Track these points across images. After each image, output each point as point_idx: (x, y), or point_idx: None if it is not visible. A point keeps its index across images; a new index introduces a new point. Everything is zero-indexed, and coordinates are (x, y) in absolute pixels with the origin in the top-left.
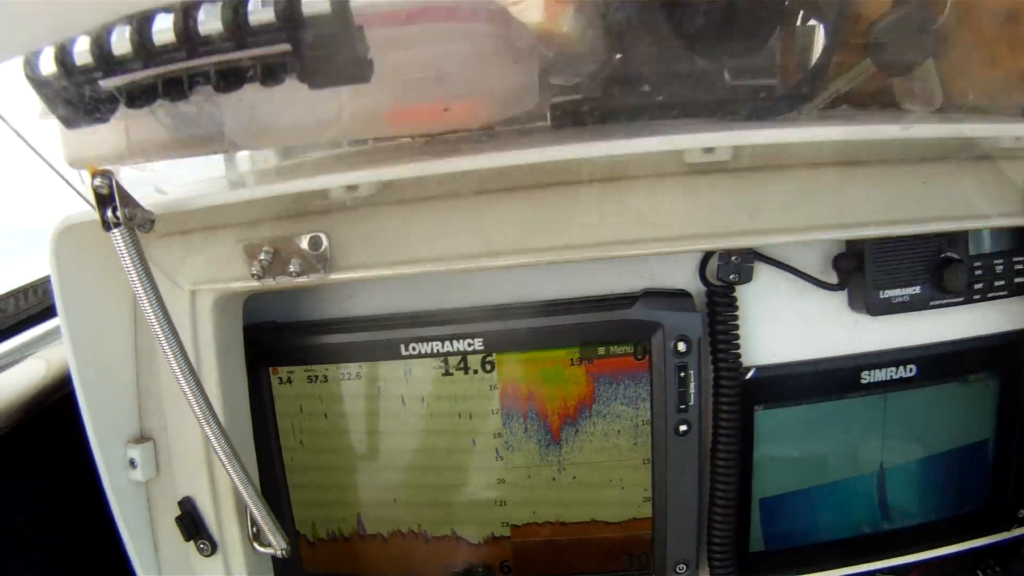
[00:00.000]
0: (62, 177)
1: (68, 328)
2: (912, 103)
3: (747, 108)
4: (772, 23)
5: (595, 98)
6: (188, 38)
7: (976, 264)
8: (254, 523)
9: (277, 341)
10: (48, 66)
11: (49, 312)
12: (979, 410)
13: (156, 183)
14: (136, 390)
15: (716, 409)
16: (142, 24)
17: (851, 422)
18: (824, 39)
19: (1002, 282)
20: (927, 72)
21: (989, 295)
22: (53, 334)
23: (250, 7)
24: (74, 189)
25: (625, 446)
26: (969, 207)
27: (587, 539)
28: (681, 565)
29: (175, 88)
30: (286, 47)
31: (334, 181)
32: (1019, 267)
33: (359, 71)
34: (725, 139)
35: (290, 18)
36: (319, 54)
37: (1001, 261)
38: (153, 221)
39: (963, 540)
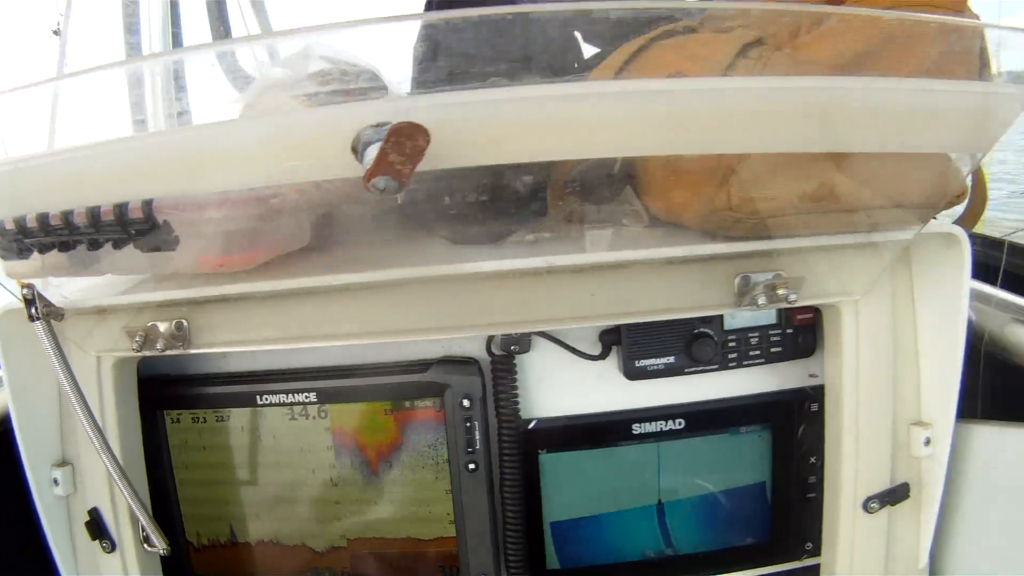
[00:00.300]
0: (5, 287)
1: (8, 379)
2: (628, 220)
3: (477, 236)
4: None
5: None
6: (69, 224)
7: (730, 338)
8: (143, 528)
9: (169, 390)
10: None
11: None
12: (754, 457)
13: (68, 287)
14: (59, 427)
15: (500, 452)
16: (44, 216)
17: (628, 465)
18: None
19: (757, 352)
20: (630, 198)
21: (745, 363)
22: None
23: (101, 212)
24: (11, 292)
25: (429, 479)
26: (694, 299)
27: (406, 552)
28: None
29: (65, 246)
30: (122, 233)
31: (176, 295)
32: (775, 339)
33: (167, 244)
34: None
35: (121, 220)
36: (141, 237)
37: (756, 334)
38: (63, 314)
39: (752, 568)
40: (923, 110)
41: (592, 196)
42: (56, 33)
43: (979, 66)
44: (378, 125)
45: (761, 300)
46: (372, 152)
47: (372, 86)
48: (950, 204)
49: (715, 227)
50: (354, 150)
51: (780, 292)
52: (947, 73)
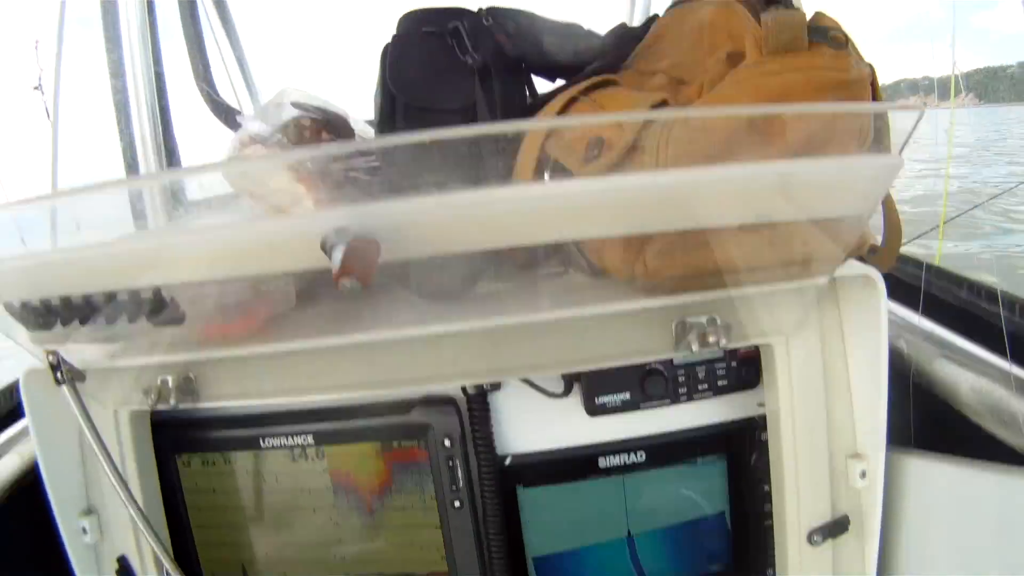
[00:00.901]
0: (33, 354)
1: (35, 435)
2: (577, 272)
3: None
4: None
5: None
6: (88, 303)
7: (680, 373)
8: (168, 573)
9: (180, 433)
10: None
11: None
12: (712, 486)
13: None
14: (83, 477)
15: (482, 489)
16: (67, 298)
17: (598, 498)
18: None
19: (705, 385)
20: (577, 258)
21: (695, 396)
22: (23, 432)
23: (120, 296)
24: (36, 357)
25: (419, 515)
26: (638, 346)
27: None
28: None
29: (84, 320)
30: (137, 311)
31: (184, 358)
32: (720, 372)
33: (175, 320)
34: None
35: (135, 300)
36: (154, 315)
37: (703, 368)
38: (85, 377)
39: None
40: (806, 186)
41: (539, 256)
42: (37, 89)
43: (869, 131)
44: (339, 229)
45: (695, 347)
46: (337, 255)
47: (342, 132)
48: (852, 254)
49: (638, 289)
50: (323, 248)
51: (711, 339)
52: (836, 135)
